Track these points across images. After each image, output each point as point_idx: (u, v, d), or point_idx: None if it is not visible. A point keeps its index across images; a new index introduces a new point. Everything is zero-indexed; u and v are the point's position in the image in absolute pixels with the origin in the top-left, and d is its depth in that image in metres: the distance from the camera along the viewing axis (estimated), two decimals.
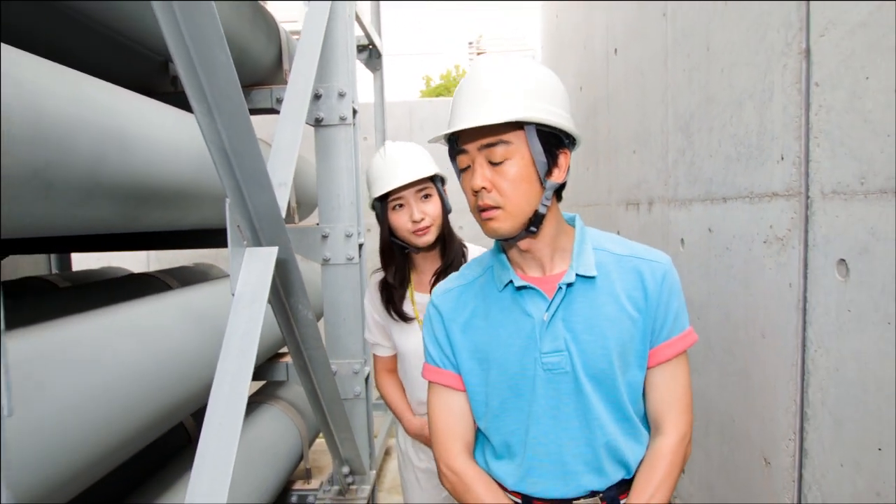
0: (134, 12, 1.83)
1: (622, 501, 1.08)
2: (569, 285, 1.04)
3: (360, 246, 2.70)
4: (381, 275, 1.73)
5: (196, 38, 1.23)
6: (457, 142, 1.03)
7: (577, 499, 1.07)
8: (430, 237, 1.59)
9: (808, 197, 1.03)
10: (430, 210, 1.59)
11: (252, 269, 1.58)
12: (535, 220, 1.01)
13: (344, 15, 2.62)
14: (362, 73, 3.38)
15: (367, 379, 2.78)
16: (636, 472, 1.08)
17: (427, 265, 1.68)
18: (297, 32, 3.71)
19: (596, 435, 1.05)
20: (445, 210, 1.64)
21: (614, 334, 1.03)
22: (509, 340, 1.07)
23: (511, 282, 1.07)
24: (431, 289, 1.56)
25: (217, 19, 1.24)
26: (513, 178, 0.97)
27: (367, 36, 3.45)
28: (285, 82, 2.89)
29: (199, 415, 2.78)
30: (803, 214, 1.05)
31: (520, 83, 0.98)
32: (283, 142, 1.88)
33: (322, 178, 2.64)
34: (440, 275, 1.64)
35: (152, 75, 2.59)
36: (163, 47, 2.15)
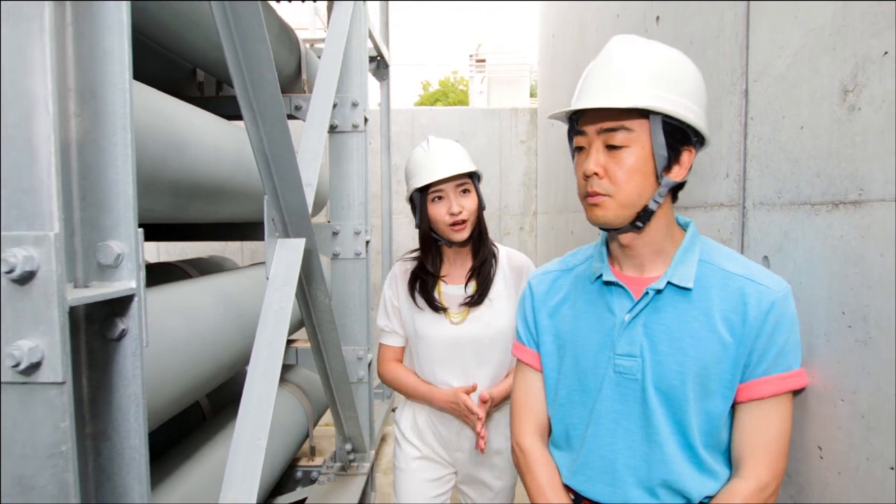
0: (170, 22, 2.06)
1: None
2: (658, 292, 0.99)
3: (367, 243, 2.96)
4: (409, 263, 1.76)
5: (250, 61, 1.48)
6: (577, 121, 0.99)
7: None
8: (465, 233, 1.62)
9: (744, 207, 1.30)
10: (467, 205, 1.62)
11: (283, 256, 1.84)
12: (644, 216, 0.96)
13: (359, 34, 2.88)
14: (370, 82, 3.64)
15: (370, 365, 3.02)
16: None
17: (458, 260, 1.72)
18: (309, 40, 3.97)
19: (655, 452, 1.00)
20: (481, 207, 1.68)
21: (696, 354, 0.96)
22: (589, 333, 1.05)
23: (602, 275, 1.05)
24: (467, 284, 1.67)
25: (268, 46, 1.49)
26: (628, 168, 0.93)
27: (377, 48, 3.70)
28: (303, 91, 3.15)
29: (212, 396, 3.02)
30: (741, 221, 1.31)
31: (653, 69, 0.93)
32: (309, 147, 2.14)
33: (335, 179, 2.90)
34: (474, 272, 1.68)
35: (182, 81, 2.84)
36: (192, 55, 2.40)
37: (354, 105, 2.88)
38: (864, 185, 0.92)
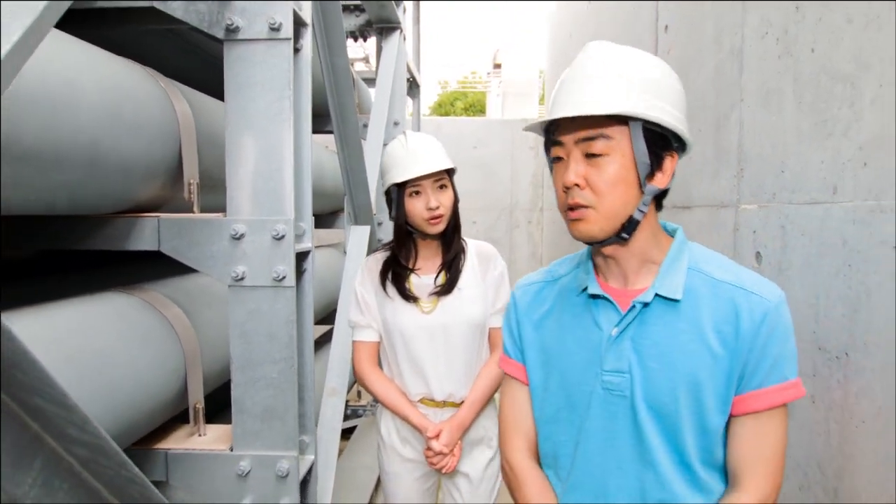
0: None
1: None
2: (645, 304, 0.95)
3: None
4: (380, 256, 1.82)
5: (344, 109, 2.31)
6: (554, 132, 0.97)
7: None
8: (442, 225, 1.67)
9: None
10: (444, 200, 1.66)
11: (356, 238, 2.68)
12: (629, 227, 0.93)
13: (400, 66, 3.70)
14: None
15: None
16: None
17: (429, 252, 1.76)
18: (351, 60, 4.77)
19: (646, 472, 0.96)
20: (456, 201, 1.72)
21: (686, 369, 0.93)
22: (575, 349, 1.02)
23: (587, 288, 1.01)
24: (437, 275, 1.74)
25: (354, 98, 2.31)
26: (609, 178, 0.90)
27: (410, 73, 4.52)
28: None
29: None
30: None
31: (630, 73, 0.90)
32: (370, 160, 2.96)
33: (379, 182, 3.72)
34: (445, 265, 1.74)
35: None
36: None
37: (396, 124, 3.70)
38: (693, 198, 1.73)
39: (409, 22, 4.50)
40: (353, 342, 1.82)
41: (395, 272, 1.74)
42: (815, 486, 1.13)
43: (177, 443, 1.65)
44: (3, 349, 0.64)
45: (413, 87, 4.76)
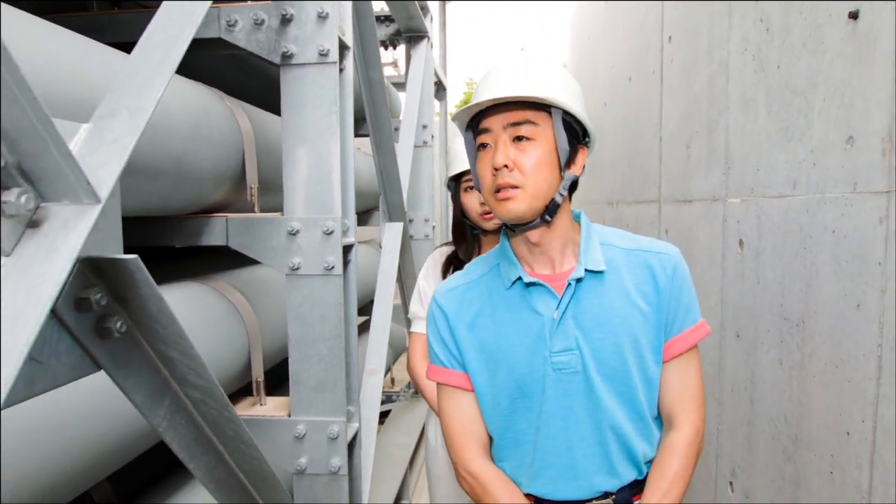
0: None
1: (636, 502, 1.08)
2: (578, 281, 1.03)
3: (433, 227, 4.03)
4: (446, 250, 1.85)
5: (379, 117, 2.56)
6: (478, 123, 1.03)
7: (589, 500, 1.06)
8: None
9: (660, 202, 2.31)
10: None
11: (390, 233, 2.93)
12: (551, 209, 1.00)
13: (428, 73, 3.94)
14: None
15: None
16: (649, 469, 1.08)
17: (491, 248, 1.56)
18: None
19: (607, 435, 1.04)
20: None
21: (625, 330, 1.02)
22: (517, 339, 1.06)
23: (519, 279, 1.06)
24: None
25: (388, 109, 2.56)
26: (535, 160, 0.97)
27: (437, 76, 4.75)
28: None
29: None
30: (659, 209, 2.31)
31: (550, 73, 1.01)
32: (402, 162, 3.21)
33: (411, 181, 3.96)
34: None
35: None
36: None
37: (424, 127, 3.95)
38: (692, 193, 1.93)
39: (436, 27, 4.74)
40: (410, 333, 1.86)
41: (456, 267, 1.76)
42: (783, 436, 1.33)
43: (242, 410, 1.92)
44: (153, 308, 0.89)
45: (440, 89, 5.00)
